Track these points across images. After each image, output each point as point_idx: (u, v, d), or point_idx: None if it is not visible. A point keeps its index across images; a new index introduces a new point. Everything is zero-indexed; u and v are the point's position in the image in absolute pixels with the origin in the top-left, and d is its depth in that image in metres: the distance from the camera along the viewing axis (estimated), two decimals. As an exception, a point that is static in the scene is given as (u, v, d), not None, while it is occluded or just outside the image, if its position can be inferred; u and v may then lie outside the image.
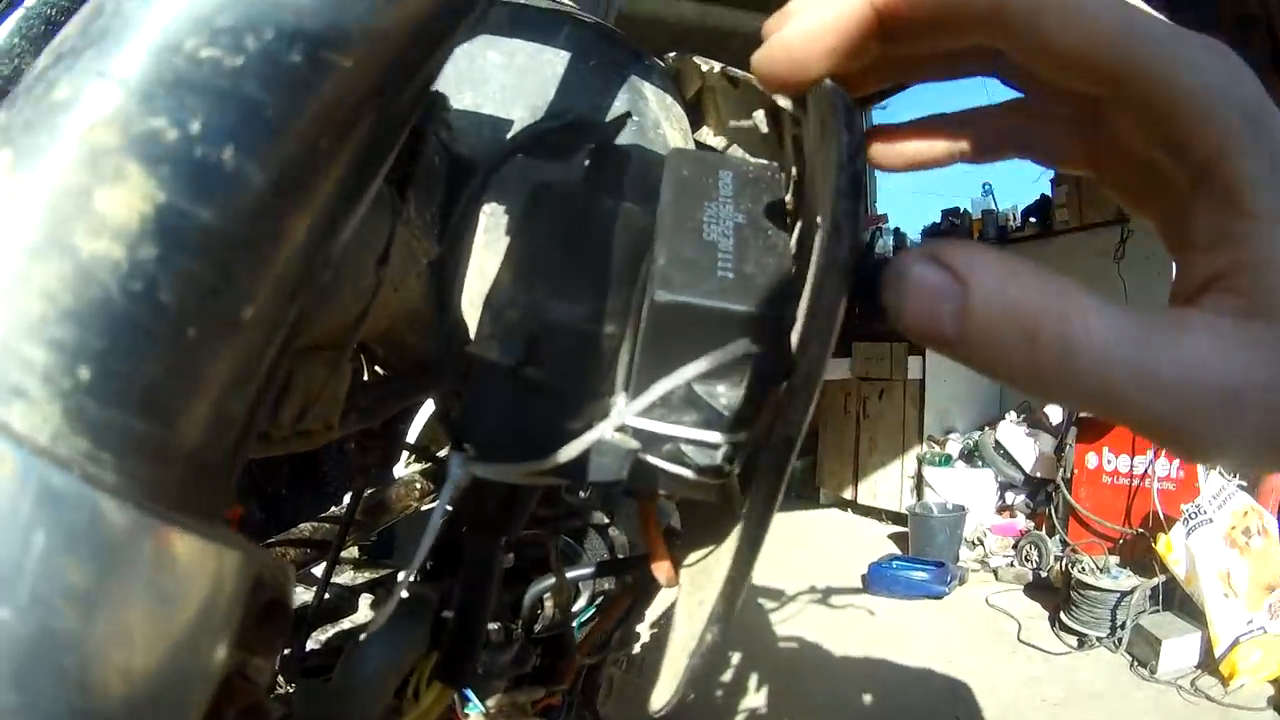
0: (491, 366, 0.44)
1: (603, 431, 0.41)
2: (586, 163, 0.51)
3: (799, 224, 0.45)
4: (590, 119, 0.62)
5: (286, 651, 1.16)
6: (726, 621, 0.40)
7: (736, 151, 0.68)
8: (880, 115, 8.28)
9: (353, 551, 1.50)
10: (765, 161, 0.48)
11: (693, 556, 0.50)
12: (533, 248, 0.47)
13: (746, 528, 0.40)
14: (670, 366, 0.39)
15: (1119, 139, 0.39)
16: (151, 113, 0.24)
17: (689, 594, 0.48)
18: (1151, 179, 0.38)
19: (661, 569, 0.51)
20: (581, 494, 1.31)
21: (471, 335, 0.59)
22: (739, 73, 0.58)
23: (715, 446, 0.40)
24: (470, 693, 1.17)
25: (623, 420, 0.40)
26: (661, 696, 0.45)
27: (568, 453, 0.41)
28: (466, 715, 1.19)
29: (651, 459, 0.42)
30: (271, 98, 0.25)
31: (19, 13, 0.47)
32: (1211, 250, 0.34)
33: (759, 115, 0.53)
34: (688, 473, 0.41)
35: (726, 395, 0.39)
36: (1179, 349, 0.31)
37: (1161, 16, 0.35)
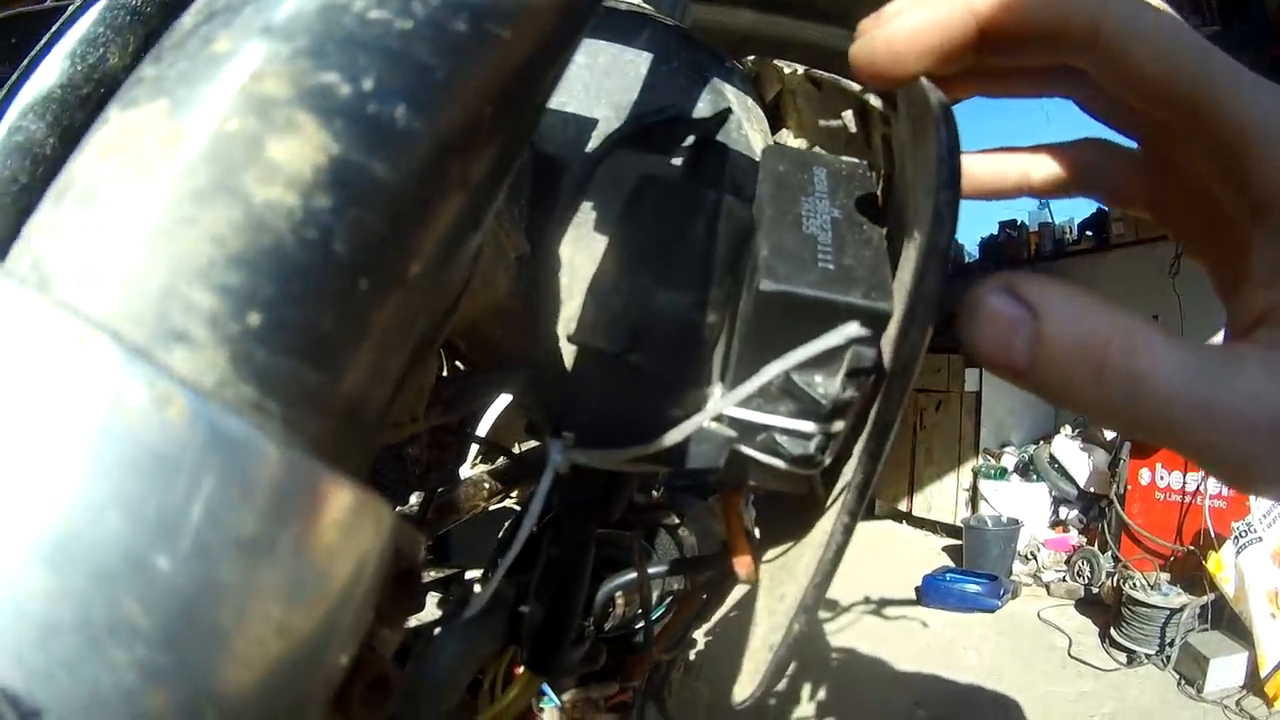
0: (595, 354, 0.44)
1: (705, 418, 0.41)
2: (687, 156, 0.52)
3: (888, 220, 0.45)
4: (686, 115, 0.63)
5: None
6: (813, 611, 0.41)
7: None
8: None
9: (494, 583, 1.50)
10: (855, 160, 0.49)
11: (771, 553, 0.50)
12: (637, 237, 0.48)
13: (841, 513, 0.40)
14: (771, 357, 0.40)
15: (1184, 176, 0.41)
16: (324, 68, 0.24)
17: (769, 590, 0.48)
18: (1210, 220, 0.41)
19: (743, 563, 0.51)
20: (654, 493, 1.32)
21: (560, 331, 0.59)
22: (823, 74, 0.58)
23: (809, 436, 0.41)
24: (546, 687, 1.17)
25: (727, 407, 0.41)
26: (744, 689, 0.45)
27: (671, 438, 0.42)
28: (541, 710, 1.19)
29: (745, 449, 0.42)
30: (440, 61, 0.26)
31: (102, 2, 0.48)
32: (1267, 286, 0.36)
33: (848, 115, 0.53)
34: (780, 463, 0.42)
35: (824, 385, 0.39)
36: (1234, 382, 0.33)
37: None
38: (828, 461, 0.42)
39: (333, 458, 0.23)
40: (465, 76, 0.26)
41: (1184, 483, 5.32)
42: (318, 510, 0.22)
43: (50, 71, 0.46)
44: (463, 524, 1.44)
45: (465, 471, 1.44)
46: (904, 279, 0.38)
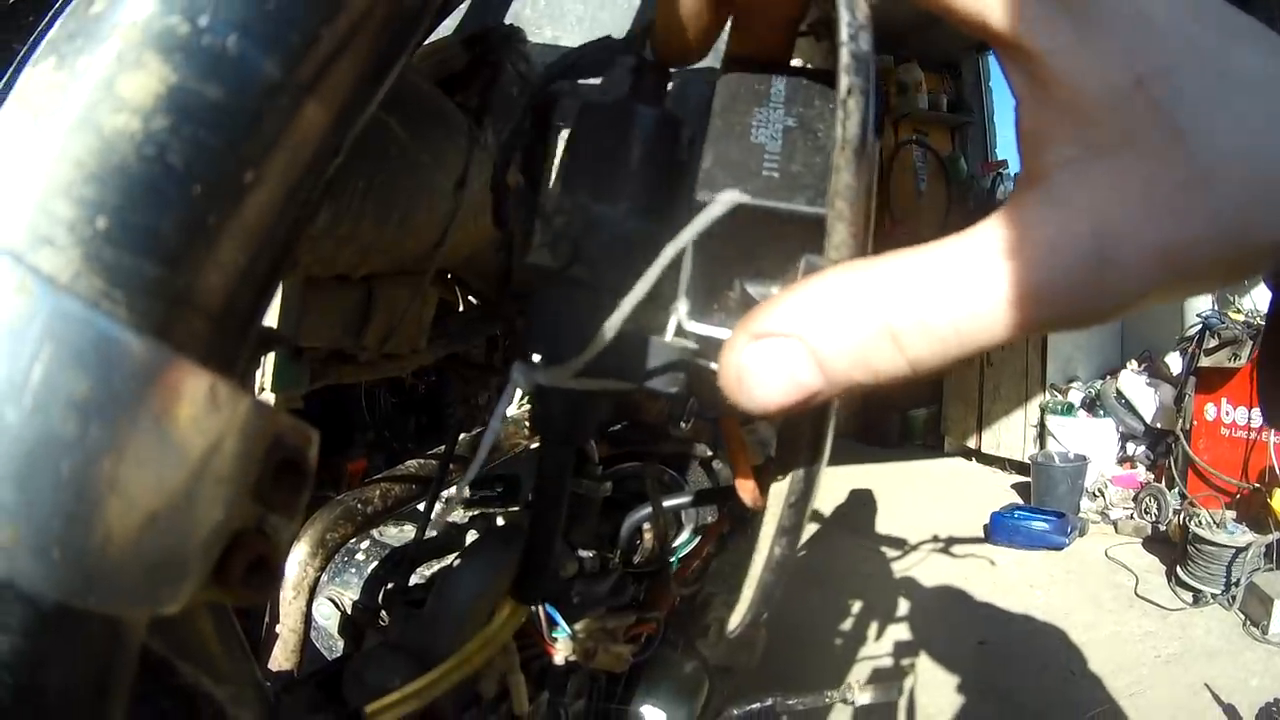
0: (547, 274, 0.45)
1: (621, 315, 0.41)
2: (630, 79, 0.51)
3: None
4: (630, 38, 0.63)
5: (390, 585, 1.19)
6: (795, 534, 0.41)
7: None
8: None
9: (464, 491, 1.51)
10: (823, 70, 0.49)
11: (785, 481, 0.50)
12: (577, 159, 0.49)
13: (807, 428, 0.40)
14: (718, 267, 0.40)
15: None
16: (169, 12, 0.29)
17: (774, 516, 0.48)
18: None
19: (746, 488, 0.51)
20: (684, 424, 1.31)
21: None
22: None
23: None
24: (557, 616, 1.16)
25: (634, 302, 0.40)
26: (735, 618, 0.46)
27: (602, 340, 0.42)
28: (554, 639, 1.18)
29: (712, 365, 0.42)
30: None
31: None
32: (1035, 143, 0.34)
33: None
34: None
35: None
36: (1001, 262, 0.31)
37: None
38: None
39: (186, 346, 0.28)
40: (297, 4, 0.31)
41: (1249, 419, 5.25)
42: (153, 382, 0.26)
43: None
44: (527, 465, 1.45)
45: (511, 411, 1.45)
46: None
